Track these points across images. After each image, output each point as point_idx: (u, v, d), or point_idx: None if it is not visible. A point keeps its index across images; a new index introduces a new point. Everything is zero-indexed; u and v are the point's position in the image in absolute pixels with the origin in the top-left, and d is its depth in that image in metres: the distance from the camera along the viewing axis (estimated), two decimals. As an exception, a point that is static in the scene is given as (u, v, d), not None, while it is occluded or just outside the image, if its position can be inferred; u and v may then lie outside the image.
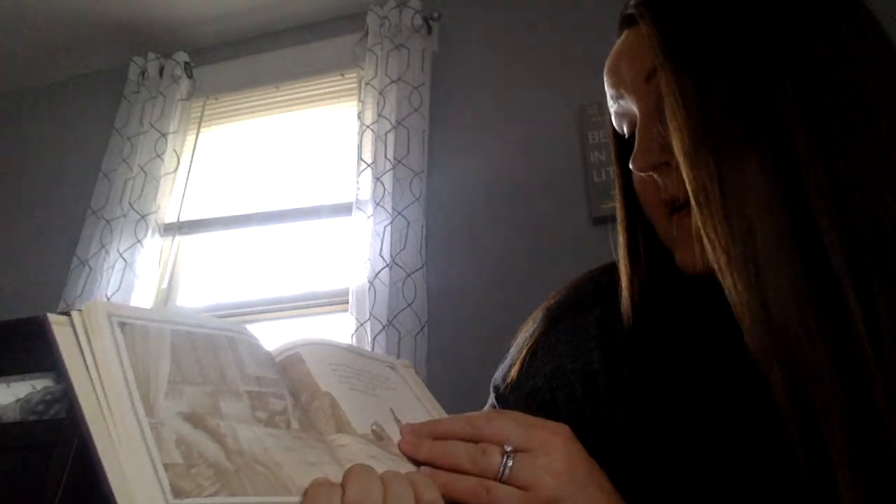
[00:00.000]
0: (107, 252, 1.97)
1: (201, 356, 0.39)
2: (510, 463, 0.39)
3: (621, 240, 0.55)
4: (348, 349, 0.51)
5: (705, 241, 0.43)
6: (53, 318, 0.34)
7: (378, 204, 1.78)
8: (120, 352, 0.35)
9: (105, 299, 1.88)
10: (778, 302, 0.39)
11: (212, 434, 0.34)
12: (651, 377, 0.49)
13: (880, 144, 0.42)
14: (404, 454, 0.42)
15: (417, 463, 0.42)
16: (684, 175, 0.44)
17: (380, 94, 1.94)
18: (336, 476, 0.36)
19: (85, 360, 0.33)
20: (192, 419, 0.35)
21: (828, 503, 0.37)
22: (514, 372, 0.57)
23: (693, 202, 0.44)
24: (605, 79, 0.54)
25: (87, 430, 0.30)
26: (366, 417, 0.44)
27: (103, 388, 0.32)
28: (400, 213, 1.75)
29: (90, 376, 0.33)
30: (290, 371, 0.45)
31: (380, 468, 0.38)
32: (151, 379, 0.35)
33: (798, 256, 0.40)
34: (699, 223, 0.43)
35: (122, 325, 0.36)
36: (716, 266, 0.42)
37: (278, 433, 0.38)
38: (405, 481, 0.37)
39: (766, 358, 0.40)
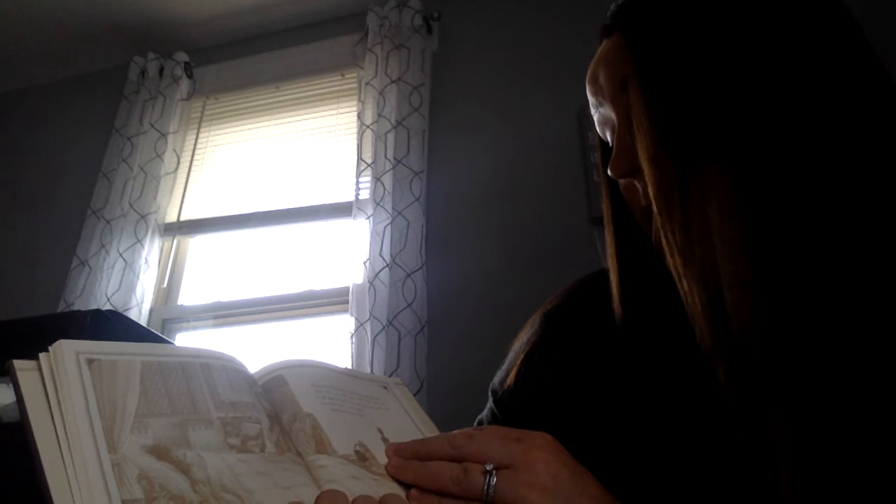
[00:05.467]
0: (107, 252, 1.97)
1: (172, 386, 0.40)
2: (493, 482, 0.39)
3: (609, 242, 0.56)
4: (336, 370, 0.51)
5: (664, 245, 0.45)
6: (19, 364, 0.35)
7: (378, 204, 1.78)
8: (86, 390, 0.35)
9: (105, 299, 1.88)
10: (733, 301, 0.41)
11: (177, 465, 0.35)
12: (641, 375, 0.50)
13: (836, 160, 0.43)
14: (391, 477, 0.42)
15: (404, 484, 0.42)
16: (647, 181, 0.46)
17: (380, 94, 1.94)
18: (312, 498, 0.36)
19: (49, 404, 0.34)
20: (157, 451, 0.35)
21: (774, 491, 0.38)
22: (511, 377, 0.57)
23: (654, 208, 0.46)
24: (586, 87, 0.55)
25: (44, 476, 0.31)
26: (350, 438, 0.44)
27: (65, 430, 0.33)
28: (400, 213, 1.75)
29: (53, 420, 0.33)
30: (272, 393, 0.45)
31: (361, 488, 0.38)
32: (117, 414, 0.35)
33: (756, 259, 0.42)
34: (659, 227, 0.45)
35: (90, 361, 0.37)
36: (673, 269, 0.45)
37: (251, 458, 0.38)
38: None
39: (714, 355, 0.42)
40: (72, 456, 0.32)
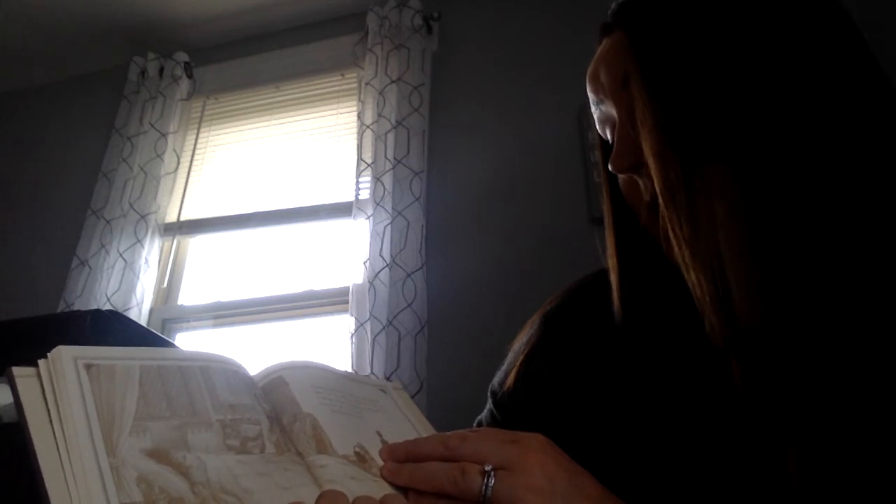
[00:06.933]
0: (107, 252, 1.97)
1: (170, 389, 0.40)
2: (491, 483, 0.39)
3: (609, 241, 0.57)
4: (336, 373, 0.51)
5: (671, 237, 0.45)
6: (18, 372, 0.35)
7: (378, 204, 1.78)
8: (84, 395, 0.36)
9: (105, 299, 1.88)
10: (740, 295, 0.42)
11: (176, 468, 0.35)
12: (641, 375, 0.50)
13: (837, 157, 0.44)
14: (385, 480, 0.42)
15: (402, 487, 0.41)
16: (653, 176, 0.46)
17: (380, 94, 1.94)
18: (312, 498, 0.36)
19: (48, 410, 0.34)
20: (156, 454, 0.35)
21: (781, 486, 0.39)
22: (511, 379, 0.57)
23: (661, 201, 0.46)
24: (587, 85, 0.56)
25: (43, 481, 0.31)
26: (349, 439, 0.44)
27: (64, 435, 0.33)
28: (400, 213, 1.75)
29: (52, 426, 0.34)
30: (272, 395, 0.45)
31: (360, 489, 0.38)
32: (116, 418, 0.36)
33: (760, 253, 0.42)
34: (666, 221, 0.46)
35: (89, 367, 0.37)
36: (681, 262, 0.45)
37: (250, 459, 0.38)
38: None
39: (726, 348, 0.42)
40: (70, 461, 0.32)
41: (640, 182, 0.51)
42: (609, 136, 0.56)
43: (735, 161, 0.44)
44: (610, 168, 0.53)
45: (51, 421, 0.34)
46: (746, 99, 0.45)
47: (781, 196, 0.43)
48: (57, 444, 0.33)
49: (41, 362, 0.36)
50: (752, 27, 0.47)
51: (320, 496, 0.36)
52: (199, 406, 0.40)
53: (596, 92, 0.55)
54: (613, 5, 0.55)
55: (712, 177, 0.44)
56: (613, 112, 0.53)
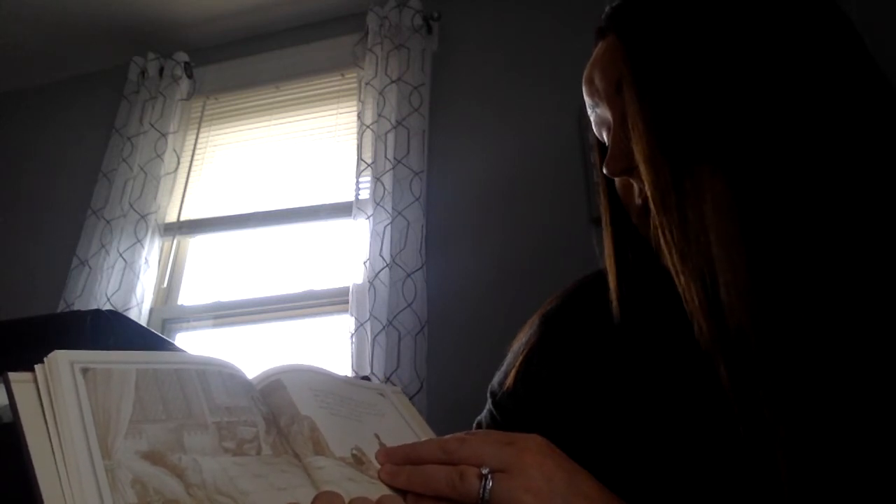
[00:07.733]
0: (107, 252, 1.97)
1: (167, 392, 0.40)
2: (489, 485, 0.39)
3: (607, 242, 0.57)
4: (334, 377, 0.52)
5: (662, 242, 0.46)
6: (14, 377, 0.35)
7: (378, 204, 1.78)
8: (80, 399, 0.36)
9: (105, 299, 1.88)
10: (730, 297, 0.42)
11: (171, 469, 0.35)
12: (640, 375, 0.50)
13: (829, 161, 0.44)
14: (384, 483, 0.42)
15: (399, 489, 0.41)
16: (644, 180, 0.47)
17: (380, 94, 1.94)
18: (309, 499, 0.37)
19: (44, 414, 0.34)
20: (152, 457, 0.35)
21: (773, 487, 0.39)
22: (510, 379, 0.58)
23: (651, 205, 0.46)
24: (583, 88, 0.56)
25: (37, 485, 0.31)
26: (346, 441, 0.44)
27: (59, 438, 0.33)
28: (400, 213, 1.75)
29: (48, 430, 0.34)
30: (270, 397, 0.45)
31: (357, 491, 0.38)
32: (112, 421, 0.36)
33: (751, 253, 0.42)
34: (656, 225, 0.46)
35: (85, 371, 0.37)
36: (671, 266, 0.45)
37: (246, 461, 0.39)
38: None
39: (714, 351, 0.42)
40: (66, 464, 0.32)
41: (635, 184, 0.52)
42: (605, 139, 0.56)
43: (726, 167, 0.44)
44: (605, 171, 0.53)
45: (46, 425, 0.34)
46: (738, 101, 0.45)
47: (772, 196, 0.43)
48: (52, 448, 0.33)
49: (38, 367, 0.36)
50: (743, 32, 0.47)
51: (316, 497, 0.36)
52: (196, 408, 0.40)
53: (591, 95, 0.56)
54: (608, 9, 0.55)
55: (702, 182, 0.44)
56: (609, 115, 0.54)
